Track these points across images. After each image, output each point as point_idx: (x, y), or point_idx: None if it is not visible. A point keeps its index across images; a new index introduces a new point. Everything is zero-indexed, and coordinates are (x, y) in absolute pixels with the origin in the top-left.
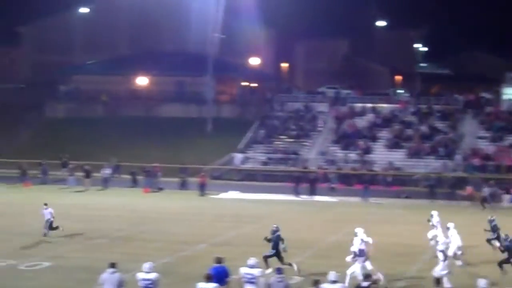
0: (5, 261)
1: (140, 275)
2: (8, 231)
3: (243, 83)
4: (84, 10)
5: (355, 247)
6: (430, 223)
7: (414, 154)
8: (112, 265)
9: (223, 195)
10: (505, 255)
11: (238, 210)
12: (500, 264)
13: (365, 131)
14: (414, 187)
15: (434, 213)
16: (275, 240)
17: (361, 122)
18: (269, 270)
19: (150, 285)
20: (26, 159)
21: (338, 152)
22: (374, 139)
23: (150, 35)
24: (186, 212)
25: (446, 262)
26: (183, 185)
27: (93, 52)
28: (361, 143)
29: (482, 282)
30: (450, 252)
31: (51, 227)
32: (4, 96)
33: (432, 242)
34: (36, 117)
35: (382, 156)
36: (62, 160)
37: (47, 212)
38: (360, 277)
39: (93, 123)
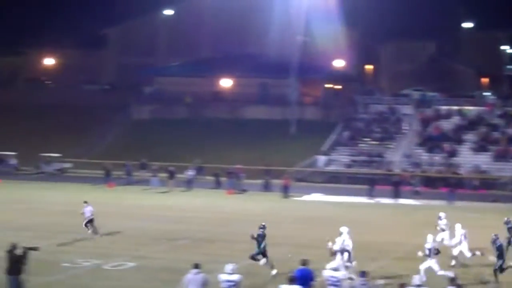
0: (90, 261)
1: (223, 277)
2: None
3: (327, 85)
4: (168, 12)
5: (337, 246)
6: (438, 228)
7: (501, 157)
8: (196, 266)
9: (306, 197)
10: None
11: (322, 212)
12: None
13: (450, 134)
14: (501, 190)
15: (442, 214)
16: (260, 239)
17: (447, 125)
18: (263, 261)
19: (232, 287)
20: (111, 160)
21: (423, 155)
22: (459, 142)
23: (233, 37)
24: (269, 213)
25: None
26: (267, 187)
27: (177, 54)
28: (446, 146)
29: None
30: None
31: (87, 224)
32: (90, 98)
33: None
34: (121, 119)
35: (468, 159)
36: (141, 161)
37: (88, 210)
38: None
39: (177, 124)
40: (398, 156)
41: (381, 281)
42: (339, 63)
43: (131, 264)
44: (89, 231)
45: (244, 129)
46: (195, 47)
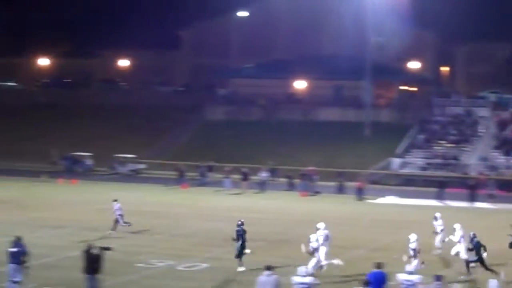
0: (164, 262)
1: (296, 279)
2: (167, 232)
3: (402, 87)
4: (242, 13)
5: (313, 244)
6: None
7: None
8: (268, 268)
9: (380, 200)
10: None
11: (396, 215)
12: (468, 263)
13: None
14: None
15: (438, 215)
16: (240, 235)
17: None
18: (242, 269)
19: None
20: (184, 161)
21: (499, 158)
22: None
23: (308, 38)
24: (343, 216)
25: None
26: (340, 189)
27: (251, 56)
28: None
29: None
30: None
31: (117, 221)
32: (163, 99)
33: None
34: (195, 120)
35: None
36: (208, 163)
37: (117, 208)
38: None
39: (251, 126)
40: (473, 159)
41: (457, 286)
42: (414, 65)
43: (204, 265)
44: (118, 225)
45: (318, 131)
46: (269, 48)
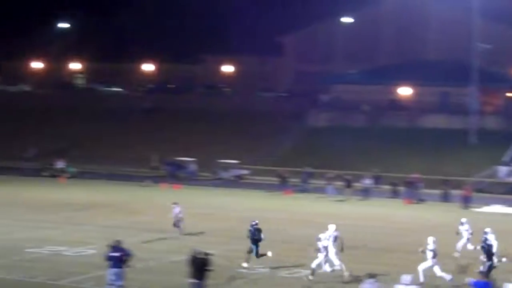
0: (266, 267)
1: (400, 287)
2: (269, 237)
3: (509, 94)
4: (346, 19)
5: (324, 242)
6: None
7: None
8: (372, 276)
9: (485, 209)
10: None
11: (502, 224)
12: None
13: None
14: None
15: (464, 220)
16: (251, 234)
17: None
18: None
19: None
20: (287, 167)
21: None
22: None
23: (413, 44)
24: (448, 224)
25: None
26: (445, 197)
27: (354, 61)
28: None
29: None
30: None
31: (176, 224)
32: (266, 105)
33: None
34: (297, 126)
35: None
36: (305, 169)
37: (176, 211)
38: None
39: (354, 132)
40: None
41: None
42: None
43: (307, 271)
44: (178, 229)
45: (422, 138)
46: (373, 54)
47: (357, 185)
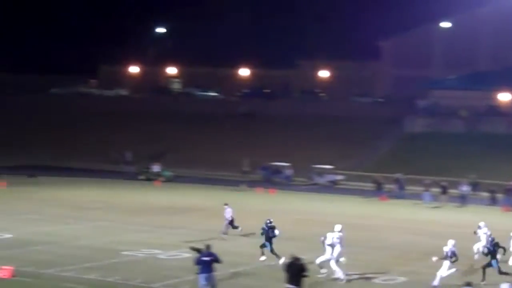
0: (359, 274)
1: None
2: (364, 244)
3: None
4: (445, 24)
5: (329, 241)
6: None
7: None
8: (468, 284)
9: None
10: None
11: None
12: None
13: None
14: None
15: (482, 224)
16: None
17: None
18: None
19: None
20: (382, 173)
21: None
22: None
23: None
24: None
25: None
26: None
27: (453, 67)
28: None
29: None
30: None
31: (232, 225)
32: (362, 110)
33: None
34: (394, 132)
35: None
36: (396, 176)
37: (228, 211)
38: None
39: (452, 138)
40: None
41: None
42: None
43: (402, 278)
44: (224, 235)
45: None
46: (472, 59)
47: (454, 191)
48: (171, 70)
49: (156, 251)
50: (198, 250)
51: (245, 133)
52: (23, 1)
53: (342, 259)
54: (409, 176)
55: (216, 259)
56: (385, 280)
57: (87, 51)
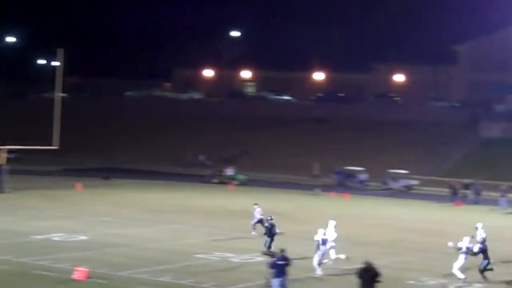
0: (436, 280)
1: None
2: (440, 250)
3: None
4: None
5: (318, 237)
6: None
7: None
8: None
9: None
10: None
11: None
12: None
13: None
14: None
15: (479, 225)
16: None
17: None
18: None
19: None
20: (457, 178)
21: None
22: None
23: None
24: None
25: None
26: None
27: None
28: None
29: None
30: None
31: (255, 225)
32: (438, 114)
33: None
34: (470, 136)
35: None
36: (467, 182)
37: (257, 212)
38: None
39: None
40: None
41: None
42: None
43: (477, 285)
44: (253, 232)
45: None
46: None
47: None
48: (246, 74)
49: (229, 254)
50: (272, 255)
51: (318, 137)
52: (98, 5)
53: (342, 256)
54: (485, 182)
55: (289, 264)
56: (459, 286)
57: (162, 54)
